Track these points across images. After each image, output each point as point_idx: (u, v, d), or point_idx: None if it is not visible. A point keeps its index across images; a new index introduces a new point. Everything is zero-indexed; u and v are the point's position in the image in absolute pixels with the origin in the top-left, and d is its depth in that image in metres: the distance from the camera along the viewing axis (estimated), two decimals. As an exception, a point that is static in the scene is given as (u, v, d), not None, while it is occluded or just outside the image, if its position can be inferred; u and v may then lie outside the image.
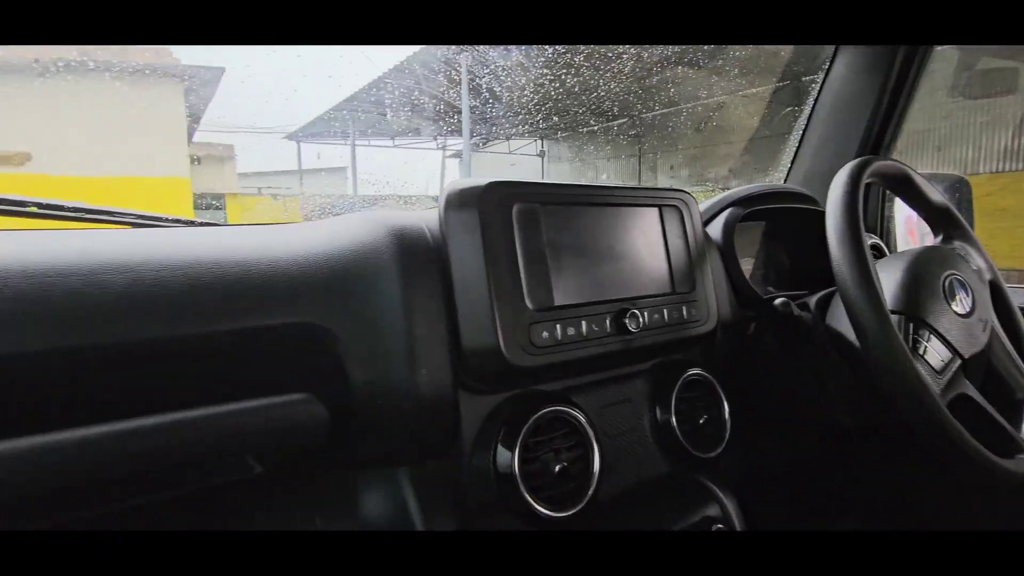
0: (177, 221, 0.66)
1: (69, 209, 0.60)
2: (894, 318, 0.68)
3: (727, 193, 0.92)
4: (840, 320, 0.74)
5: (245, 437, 0.45)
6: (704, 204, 0.91)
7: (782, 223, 1.02)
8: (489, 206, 0.54)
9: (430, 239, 0.56)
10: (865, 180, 0.69)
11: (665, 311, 0.66)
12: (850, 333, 0.69)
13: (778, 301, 0.75)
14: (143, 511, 0.47)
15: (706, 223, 0.89)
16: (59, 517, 0.43)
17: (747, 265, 1.01)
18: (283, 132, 6.90)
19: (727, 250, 0.83)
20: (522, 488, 0.54)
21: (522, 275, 0.55)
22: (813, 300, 0.79)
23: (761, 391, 0.84)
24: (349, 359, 0.51)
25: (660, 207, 0.69)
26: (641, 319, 0.62)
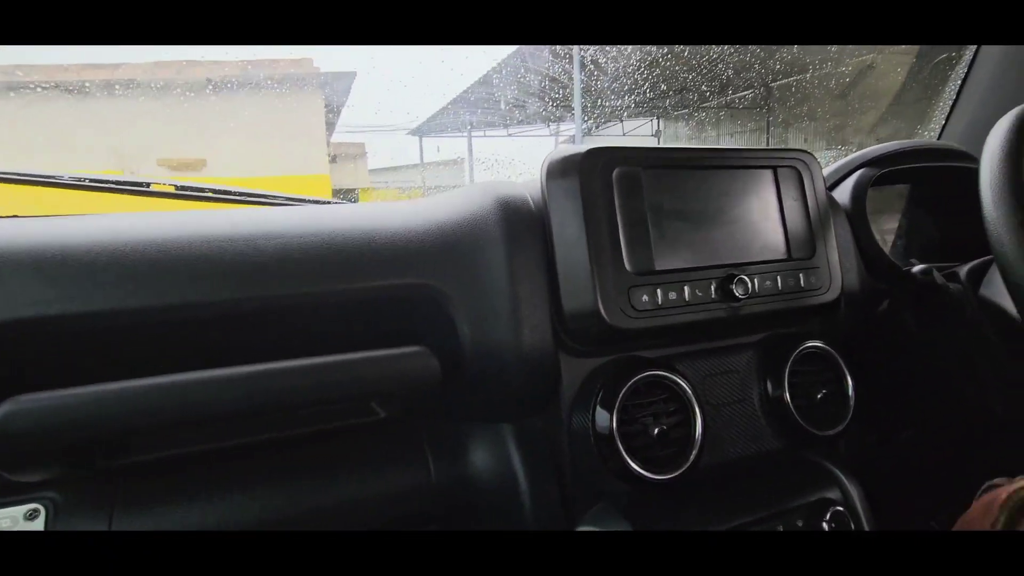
0: (317, 201, 0.75)
1: (235, 193, 0.72)
2: None
3: (860, 152, 0.83)
4: (997, 292, 0.64)
5: (368, 382, 0.52)
6: (834, 165, 0.83)
7: (932, 186, 0.90)
8: (588, 172, 0.56)
9: (533, 207, 0.59)
10: None
11: (779, 278, 0.63)
12: (1010, 307, 0.60)
13: (918, 268, 0.67)
14: (290, 443, 0.56)
15: (834, 185, 0.81)
16: (222, 442, 0.53)
17: (889, 234, 0.91)
18: (407, 129, 7.36)
19: (856, 215, 0.76)
20: (620, 448, 0.55)
21: (621, 239, 0.55)
22: (964, 270, 0.70)
23: (897, 372, 0.76)
24: (459, 318, 0.55)
25: (775, 168, 0.65)
26: (750, 285, 0.59)
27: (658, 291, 0.56)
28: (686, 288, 0.58)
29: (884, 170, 0.80)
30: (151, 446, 0.51)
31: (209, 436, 0.52)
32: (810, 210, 0.66)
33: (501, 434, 0.61)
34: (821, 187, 0.68)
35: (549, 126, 8.79)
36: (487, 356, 0.56)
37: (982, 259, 0.70)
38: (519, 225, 0.57)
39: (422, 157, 7.97)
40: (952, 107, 1.08)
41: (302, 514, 0.54)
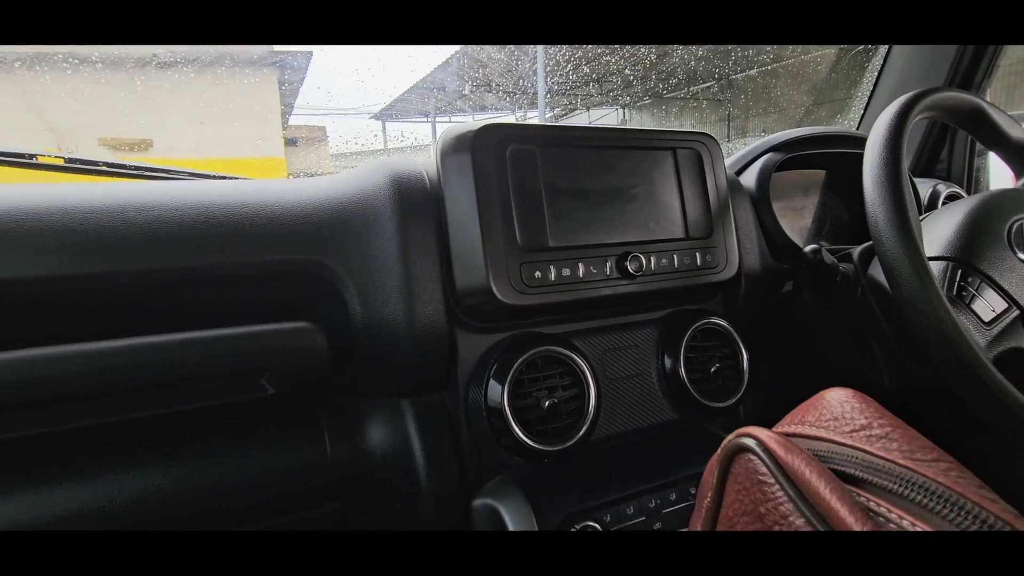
0: (223, 178, 0.73)
1: (130, 167, 0.69)
2: (938, 264, 0.61)
3: (768, 137, 0.86)
4: (882, 271, 0.68)
5: (250, 357, 0.51)
6: (743, 150, 0.85)
7: (845, 172, 0.94)
8: (482, 149, 0.55)
9: (428, 183, 0.58)
10: (918, 115, 0.62)
11: (676, 256, 0.64)
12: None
13: (809, 248, 0.70)
14: (176, 420, 0.55)
15: (742, 169, 0.83)
16: (102, 417, 0.51)
17: (803, 219, 0.94)
18: (369, 113, 7.21)
19: (760, 197, 0.78)
20: (511, 421, 0.56)
21: (515, 215, 0.56)
22: (856, 251, 0.73)
23: (796, 348, 0.79)
24: (349, 294, 0.55)
25: (675, 150, 0.66)
26: (645, 263, 0.61)
27: (551, 267, 0.57)
28: (580, 265, 0.58)
29: (789, 155, 0.82)
30: (19, 423, 0.49)
31: (84, 414, 0.51)
32: (709, 192, 0.68)
33: (400, 410, 0.61)
34: (721, 169, 0.70)
35: (515, 113, 8.75)
36: (380, 333, 0.55)
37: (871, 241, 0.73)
38: (411, 200, 0.56)
39: (386, 143, 7.82)
40: (869, 98, 1.12)
41: (187, 491, 0.53)
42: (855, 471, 0.26)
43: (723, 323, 0.69)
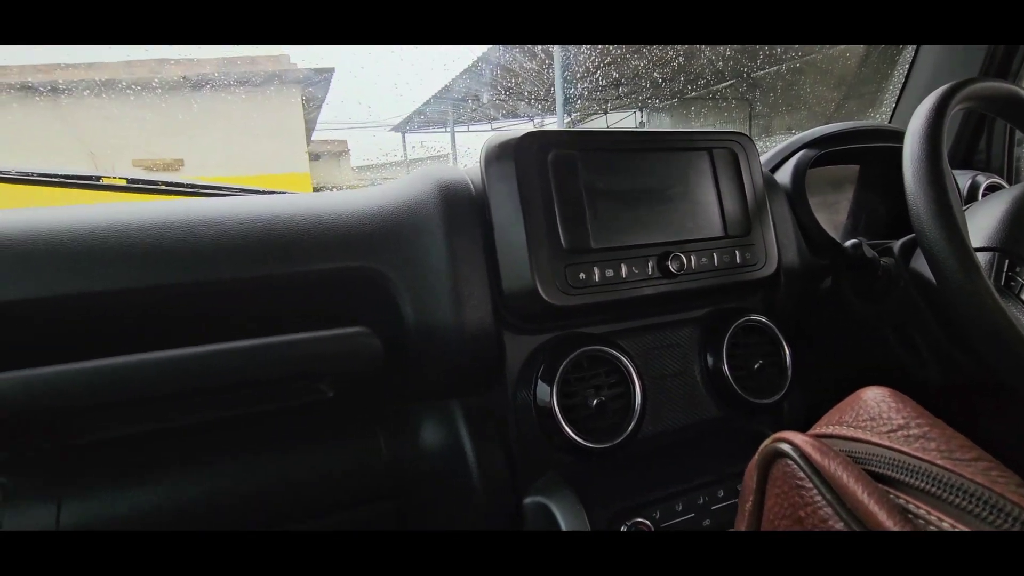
0: (270, 192, 0.76)
1: (185, 186, 0.73)
2: (985, 255, 0.61)
3: (802, 134, 0.86)
4: (925, 264, 0.67)
5: (311, 362, 0.53)
6: (777, 147, 0.86)
7: (880, 166, 0.93)
8: (524, 155, 0.57)
9: (473, 190, 0.61)
10: (956, 106, 0.62)
11: (715, 255, 0.65)
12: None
13: (849, 243, 0.70)
14: (239, 422, 0.58)
15: (777, 166, 0.84)
16: (171, 420, 0.54)
17: (838, 214, 0.94)
18: (389, 125, 7.33)
19: (796, 194, 0.78)
20: (560, 420, 0.57)
21: (558, 219, 0.57)
22: (897, 245, 0.72)
23: (840, 343, 0.79)
24: (401, 299, 0.57)
25: (711, 150, 0.67)
26: (686, 262, 0.62)
27: (595, 268, 0.58)
28: (623, 265, 0.60)
29: (824, 151, 0.82)
30: (97, 426, 0.52)
31: (156, 416, 0.54)
32: (746, 190, 0.68)
33: (450, 410, 0.62)
34: (757, 168, 0.70)
35: (533, 120, 8.81)
36: (430, 336, 0.57)
37: (913, 234, 0.73)
38: (458, 208, 0.59)
39: (406, 153, 7.94)
40: (901, 91, 1.11)
41: (251, 492, 0.56)
42: (892, 472, 0.26)
43: (764, 320, 0.70)
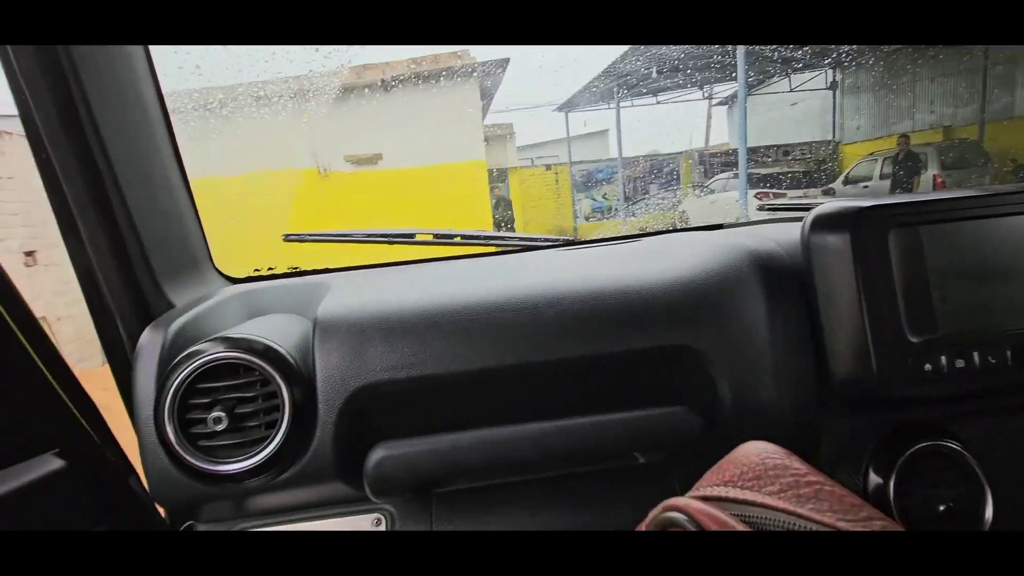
0: (547, 240, 0.82)
1: (480, 237, 0.81)
2: None
3: None
4: None
5: (636, 437, 0.57)
6: None
7: None
8: (861, 230, 0.53)
9: (789, 261, 0.58)
10: None
11: None
12: None
13: None
14: (563, 478, 0.64)
15: None
16: (502, 479, 0.61)
17: None
18: (553, 105, 7.40)
19: None
20: (896, 517, 0.53)
21: (900, 304, 0.53)
22: None
23: None
24: (719, 377, 0.57)
25: None
26: None
27: (943, 358, 0.53)
28: (975, 354, 0.53)
29: None
30: (463, 479, 0.62)
31: (504, 473, 0.62)
32: None
33: None
34: None
35: (703, 88, 8.20)
36: (748, 414, 0.57)
37: None
38: (776, 280, 0.57)
39: (568, 131, 7.96)
40: None
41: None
42: None
43: None
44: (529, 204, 7.08)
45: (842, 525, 0.25)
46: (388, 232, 0.79)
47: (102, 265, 0.56)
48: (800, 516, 0.26)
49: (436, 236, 0.81)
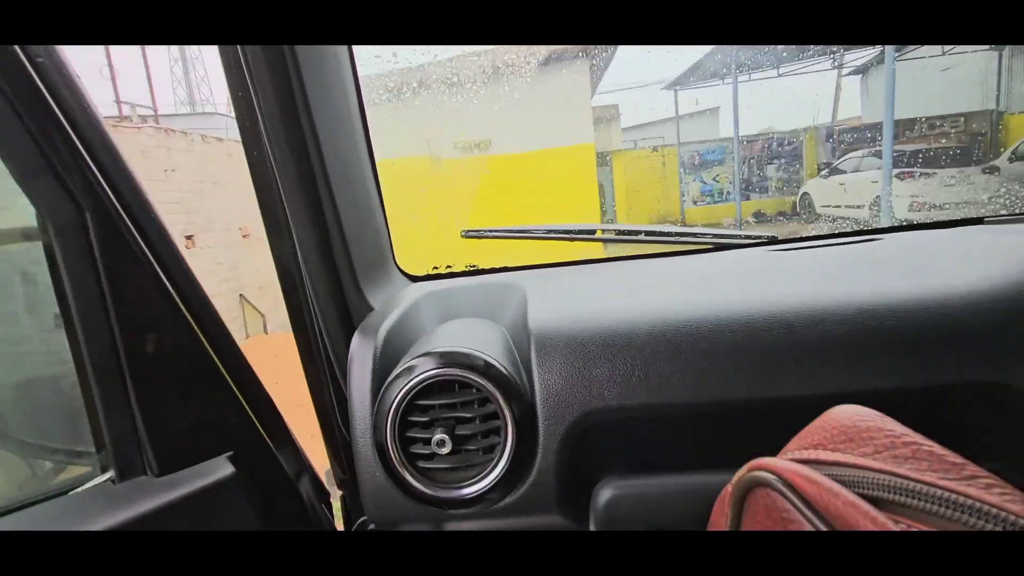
0: (747, 237, 0.71)
1: (666, 234, 0.72)
2: None
3: None
4: None
5: None
6: None
7: None
8: None
9: None
10: None
11: None
12: None
13: None
14: None
15: None
16: None
17: None
18: (662, 83, 7.01)
19: None
20: None
21: None
22: None
23: None
24: None
25: None
26: None
27: None
28: None
29: None
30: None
31: None
32: None
33: None
34: None
35: (832, 56, 7.36)
36: None
37: None
38: None
39: (677, 110, 7.53)
40: None
41: None
42: (889, 495, 0.23)
43: None
44: (632, 188, 6.82)
45: (944, 484, 0.23)
46: (569, 228, 0.73)
47: (309, 264, 0.54)
48: (899, 476, 0.24)
49: (619, 232, 0.74)
